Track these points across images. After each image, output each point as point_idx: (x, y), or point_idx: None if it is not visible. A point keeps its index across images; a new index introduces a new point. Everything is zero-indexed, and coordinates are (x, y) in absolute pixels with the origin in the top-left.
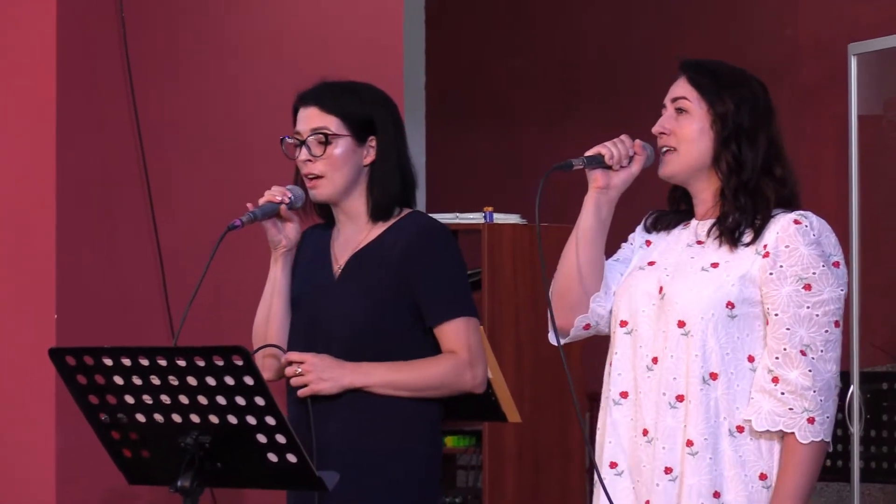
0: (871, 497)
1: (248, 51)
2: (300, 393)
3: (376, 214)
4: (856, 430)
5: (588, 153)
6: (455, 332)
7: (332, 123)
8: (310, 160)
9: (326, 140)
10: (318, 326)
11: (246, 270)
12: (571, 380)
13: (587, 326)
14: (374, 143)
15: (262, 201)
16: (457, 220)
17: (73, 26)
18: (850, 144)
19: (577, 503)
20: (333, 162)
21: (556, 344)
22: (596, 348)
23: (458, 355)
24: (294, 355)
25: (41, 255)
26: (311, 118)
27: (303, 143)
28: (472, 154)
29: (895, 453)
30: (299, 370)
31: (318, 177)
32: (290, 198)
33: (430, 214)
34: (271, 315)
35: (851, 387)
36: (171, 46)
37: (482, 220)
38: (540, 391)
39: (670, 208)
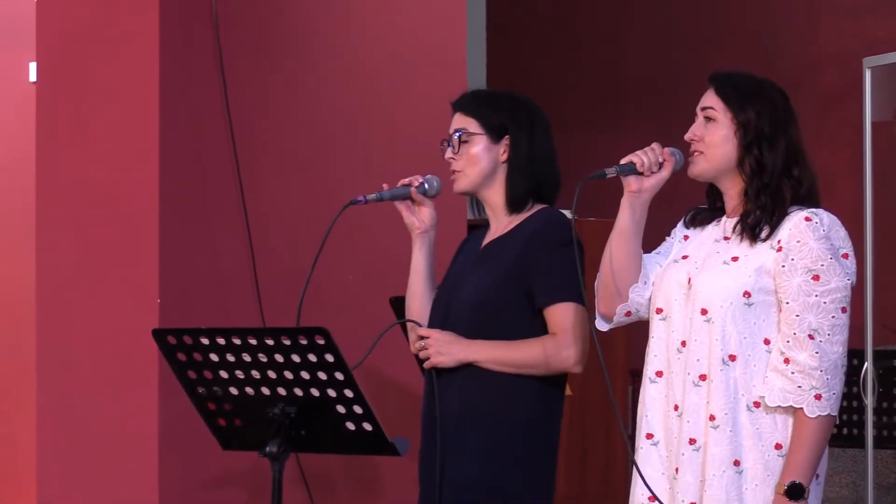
0: (882, 461)
1: (327, 62)
2: (425, 365)
3: (511, 206)
4: (869, 402)
5: (621, 162)
6: (559, 315)
7: (470, 125)
8: (453, 158)
9: (464, 138)
10: (451, 304)
11: (332, 257)
12: (604, 361)
13: (628, 313)
14: (507, 143)
15: (399, 184)
16: None
17: (174, 42)
18: (865, 148)
19: (619, 466)
20: (470, 158)
21: (604, 329)
22: (639, 330)
23: (559, 337)
24: (422, 331)
25: (146, 248)
26: (456, 122)
27: (449, 142)
28: None
29: None
30: (424, 344)
31: (457, 172)
32: (421, 183)
33: None
34: (411, 292)
35: (866, 363)
36: (259, 58)
37: None
38: (587, 368)
39: (708, 205)
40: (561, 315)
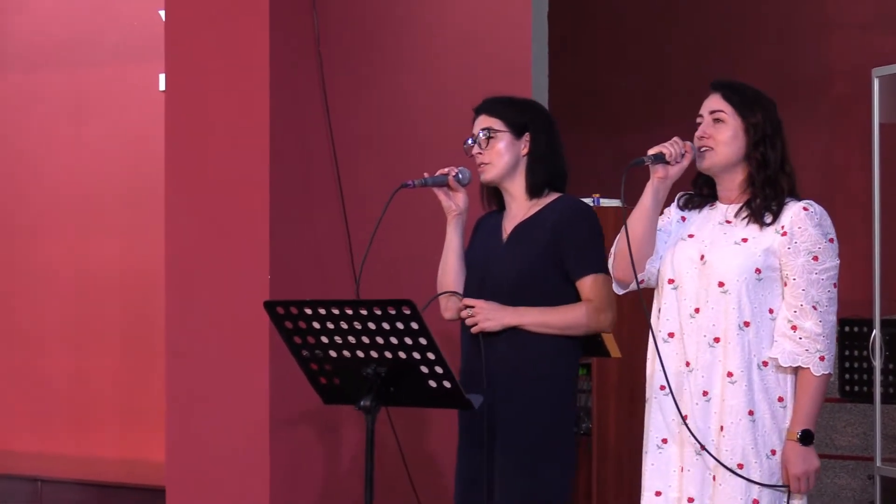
0: (889, 415)
1: (411, 71)
2: (472, 330)
3: (531, 193)
4: (878, 363)
5: (651, 152)
6: (591, 285)
7: (495, 124)
8: (480, 152)
9: (491, 135)
10: (487, 279)
11: (418, 234)
12: (648, 311)
13: (641, 281)
14: (528, 139)
15: (437, 174)
16: None
17: (282, 54)
18: (873, 147)
19: None
20: (496, 152)
21: (620, 293)
22: None
23: (593, 302)
24: (468, 300)
25: (258, 232)
26: (481, 122)
27: (475, 140)
28: (585, 152)
29: None
30: (471, 312)
31: (485, 164)
32: (457, 173)
33: None
34: (447, 267)
35: (875, 330)
36: (353, 67)
37: (592, 204)
38: (635, 332)
39: (695, 192)
40: (593, 284)
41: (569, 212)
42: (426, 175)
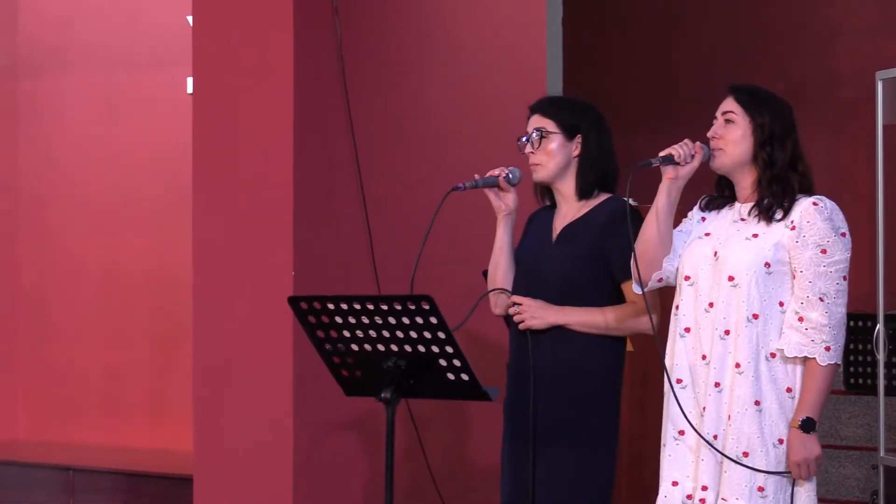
0: (892, 406)
1: (431, 76)
2: (520, 327)
3: (580, 194)
4: (881, 356)
5: (661, 154)
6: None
7: (548, 125)
8: (532, 152)
9: (543, 135)
10: (535, 277)
11: (436, 237)
12: (652, 319)
13: (660, 280)
14: (580, 141)
15: (487, 174)
16: None
17: (306, 58)
18: (877, 147)
19: None
20: (548, 152)
21: (639, 293)
22: None
23: (637, 304)
24: (516, 298)
25: (282, 230)
26: (534, 122)
27: (528, 139)
28: None
29: None
30: (518, 309)
31: (536, 164)
32: (507, 174)
33: None
34: (498, 265)
35: (878, 325)
36: (374, 72)
37: None
38: None
39: (717, 193)
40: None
41: (616, 216)
42: (477, 176)
